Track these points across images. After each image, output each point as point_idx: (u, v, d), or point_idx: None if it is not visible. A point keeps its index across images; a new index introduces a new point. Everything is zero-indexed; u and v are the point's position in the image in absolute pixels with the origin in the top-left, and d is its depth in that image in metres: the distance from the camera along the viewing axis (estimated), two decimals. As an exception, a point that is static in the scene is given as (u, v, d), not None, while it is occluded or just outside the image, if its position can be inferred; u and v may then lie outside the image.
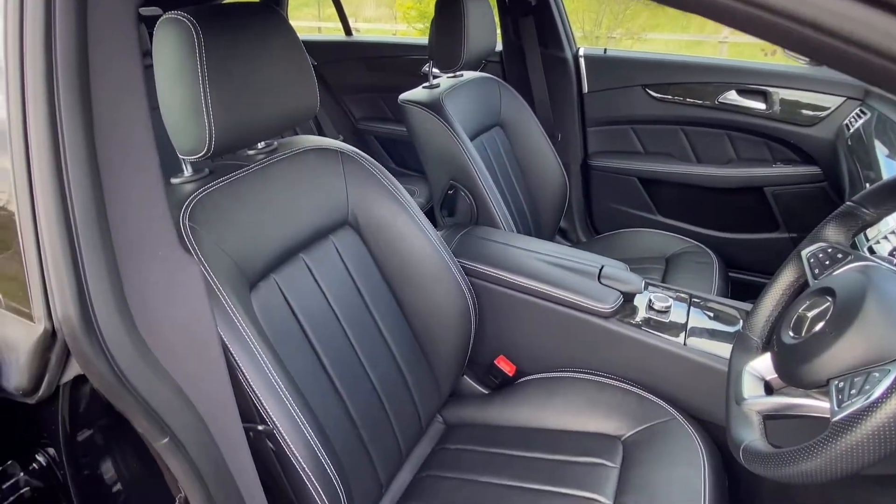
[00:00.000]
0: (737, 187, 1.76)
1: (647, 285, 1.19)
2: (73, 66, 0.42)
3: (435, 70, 1.57)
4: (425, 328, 1.12)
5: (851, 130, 1.47)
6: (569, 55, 1.86)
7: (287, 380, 0.75)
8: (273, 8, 0.89)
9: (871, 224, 0.74)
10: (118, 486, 0.53)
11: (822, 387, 0.60)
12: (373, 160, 1.09)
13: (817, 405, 0.62)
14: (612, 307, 1.11)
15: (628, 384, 1.10)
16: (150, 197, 0.51)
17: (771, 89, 1.67)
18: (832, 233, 0.75)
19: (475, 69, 1.73)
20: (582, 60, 1.88)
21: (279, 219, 0.92)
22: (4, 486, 0.51)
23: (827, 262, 0.72)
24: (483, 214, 1.45)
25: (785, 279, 0.79)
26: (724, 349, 1.03)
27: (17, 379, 0.46)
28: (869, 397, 0.50)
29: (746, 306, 1.16)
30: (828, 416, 0.57)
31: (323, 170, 1.02)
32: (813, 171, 1.65)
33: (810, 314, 0.65)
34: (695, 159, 1.84)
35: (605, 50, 1.92)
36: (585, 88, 1.90)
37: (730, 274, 1.67)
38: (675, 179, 1.85)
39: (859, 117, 1.46)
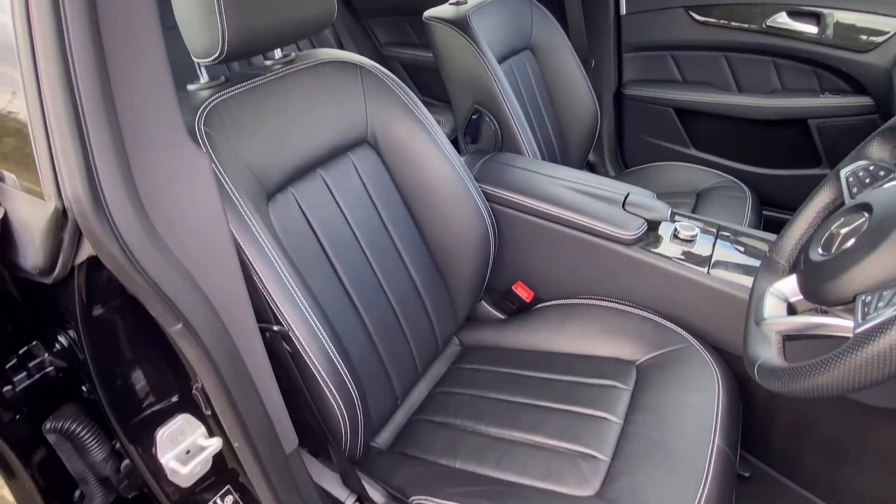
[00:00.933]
0: (779, 119, 1.66)
1: (673, 214, 1.15)
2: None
3: None
4: (443, 252, 1.12)
5: (912, 56, 1.35)
6: (606, -27, 1.74)
7: (302, 285, 0.76)
8: None
9: (920, 140, 0.68)
10: (138, 368, 0.55)
11: (848, 304, 0.58)
12: (393, 76, 1.06)
13: (841, 324, 0.59)
14: (636, 234, 1.08)
15: (646, 311, 1.08)
16: (156, 85, 0.50)
17: (825, 11, 1.53)
18: (876, 150, 0.70)
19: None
20: (620, -20, 1.76)
21: (296, 131, 0.91)
22: (31, 365, 0.54)
23: (867, 181, 0.68)
24: (508, 142, 1.40)
25: (820, 200, 0.75)
26: (748, 280, 1.00)
27: (33, 258, 0.47)
28: (897, 308, 0.48)
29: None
30: (850, 333, 0.55)
31: (341, 84, 0.99)
32: (863, 102, 1.54)
33: (843, 231, 0.62)
34: (736, 89, 1.73)
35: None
36: (623, 10, 1.78)
37: (763, 211, 1.60)
38: (714, 111, 1.75)
39: (923, 41, 1.34)
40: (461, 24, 1.37)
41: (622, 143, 1.96)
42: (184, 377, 0.58)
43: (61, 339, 0.54)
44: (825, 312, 0.63)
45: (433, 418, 1.02)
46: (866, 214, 0.60)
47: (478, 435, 0.95)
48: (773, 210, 1.73)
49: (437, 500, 0.81)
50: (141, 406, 0.56)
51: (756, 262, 1.06)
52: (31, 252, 0.47)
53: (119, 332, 0.52)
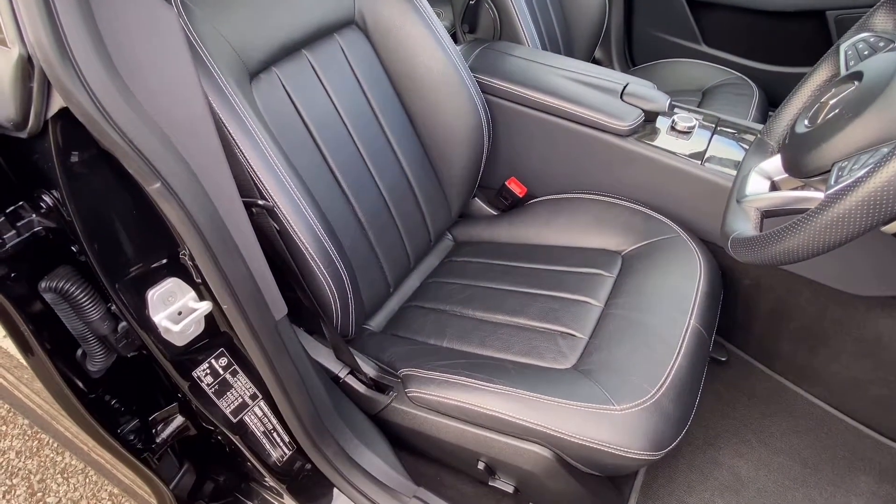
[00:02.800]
0: (795, 11, 1.57)
1: (672, 105, 1.12)
2: None
3: None
4: (435, 143, 1.10)
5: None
6: None
7: (287, 164, 0.77)
8: None
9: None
10: (122, 228, 0.57)
11: (825, 173, 0.57)
12: (382, -49, 0.99)
13: (817, 195, 0.59)
14: (631, 125, 1.06)
15: (637, 204, 1.09)
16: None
17: None
18: (881, 20, 0.67)
19: None
20: None
21: (280, 6, 0.87)
22: (19, 224, 0.56)
23: (866, 53, 0.65)
24: (507, 32, 1.34)
25: (817, 77, 0.72)
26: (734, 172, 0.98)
27: (4, 109, 0.47)
28: (870, 167, 0.47)
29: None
30: (824, 201, 0.55)
31: (326, -42, 0.94)
32: (889, -9, 1.44)
33: (832, 102, 0.60)
34: (754, -22, 1.62)
35: None
36: None
37: (769, 110, 1.55)
38: (728, 2, 1.65)
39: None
40: None
41: (630, 38, 1.87)
42: (170, 241, 0.60)
43: (46, 198, 0.55)
44: (805, 187, 0.63)
45: (424, 304, 1.06)
46: (856, 83, 0.58)
47: (465, 318, 0.99)
48: (782, 110, 1.67)
49: (423, 371, 0.86)
50: (129, 266, 0.58)
51: (742, 149, 1.04)
52: (2, 102, 0.47)
53: (100, 191, 0.53)
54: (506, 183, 1.22)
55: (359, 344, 0.98)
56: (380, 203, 1.02)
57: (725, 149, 1.06)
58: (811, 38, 1.58)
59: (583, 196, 1.14)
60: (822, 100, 0.62)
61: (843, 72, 0.66)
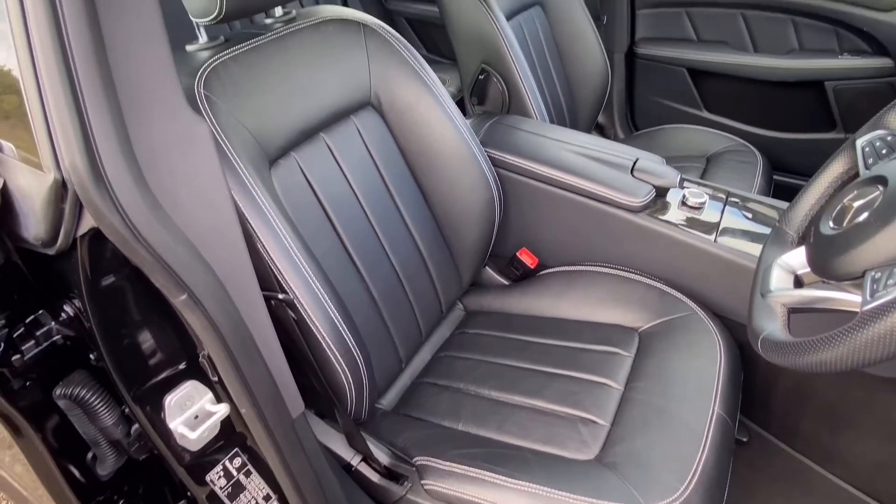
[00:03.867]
0: (795, 81, 1.61)
1: (682, 180, 1.13)
2: None
3: None
4: (448, 217, 1.11)
5: (939, 15, 1.29)
6: (622, -78, 1.66)
7: (306, 251, 0.76)
8: None
9: (943, 109, 0.66)
10: (143, 337, 0.55)
11: (857, 279, 0.57)
12: (398, 35, 1.02)
13: (849, 298, 0.59)
14: (643, 201, 1.07)
15: (651, 279, 1.08)
16: (152, 48, 0.48)
17: (850, -34, 1.46)
18: (895, 119, 0.68)
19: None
20: (637, -70, 1.68)
21: (298, 93, 0.89)
22: (38, 333, 0.55)
23: (884, 152, 0.66)
24: (515, 103, 1.37)
25: (833, 170, 0.73)
26: (756, 248, 0.99)
27: (35, 228, 0.47)
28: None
29: (786, 206, 1.10)
30: (858, 309, 0.54)
31: (344, 43, 0.96)
32: (884, 64, 1.49)
33: (856, 204, 0.60)
34: (752, 49, 1.68)
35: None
36: (638, -37, 1.71)
37: (774, 176, 1.58)
38: (728, 71, 1.70)
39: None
40: (469, -21, 1.31)
41: (633, 104, 1.92)
42: (190, 345, 0.59)
43: (67, 308, 0.54)
44: (832, 286, 0.62)
45: (437, 381, 1.03)
46: (881, 188, 0.59)
47: (480, 398, 0.97)
48: (785, 175, 1.70)
49: (440, 462, 0.83)
50: (148, 374, 0.57)
51: (764, 230, 1.05)
52: (33, 222, 0.46)
53: (124, 302, 0.52)
54: (517, 254, 1.22)
55: (371, 426, 0.95)
56: (393, 278, 1.02)
57: (738, 220, 1.07)
58: (811, 106, 1.62)
59: (596, 269, 1.14)
60: (846, 201, 0.62)
61: (861, 169, 0.67)
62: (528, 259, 1.21)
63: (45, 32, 0.41)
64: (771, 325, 0.64)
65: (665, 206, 1.10)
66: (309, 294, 0.74)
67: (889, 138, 0.67)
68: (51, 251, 0.48)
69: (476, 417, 0.93)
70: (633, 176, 1.11)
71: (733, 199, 1.12)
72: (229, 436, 0.66)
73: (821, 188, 0.74)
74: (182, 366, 0.59)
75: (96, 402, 0.58)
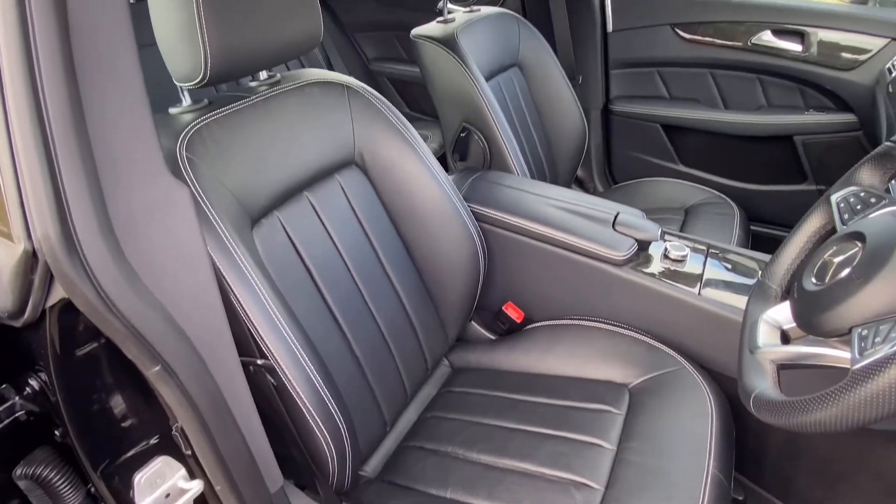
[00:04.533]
0: (765, 136, 1.68)
1: (663, 234, 1.15)
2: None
3: (450, 5, 1.48)
4: (432, 273, 1.10)
5: (894, 74, 1.37)
6: (594, -10, 1.75)
7: (288, 315, 0.74)
8: (273, -76, 0.82)
9: (910, 166, 0.68)
10: (113, 412, 0.52)
11: (843, 335, 0.57)
12: (381, 96, 1.04)
13: (837, 355, 0.59)
14: (626, 255, 1.08)
15: (638, 333, 1.07)
16: (133, 114, 0.48)
17: (809, 29, 1.55)
18: (866, 176, 0.70)
19: (493, 4, 1.64)
20: (608, -2, 1.78)
21: (282, 154, 0.89)
22: (0, 409, 0.51)
23: (858, 207, 0.68)
24: (496, 159, 1.40)
25: (811, 225, 0.74)
26: (740, 301, 0.99)
27: (1, 300, 0.45)
28: (895, 345, 0.47)
29: (766, 257, 1.12)
30: (847, 365, 0.54)
31: (328, 105, 0.98)
32: (848, 119, 1.56)
33: (836, 259, 0.61)
34: (722, 105, 1.75)
35: (633, -15, 1.80)
36: (610, 27, 1.79)
37: (751, 227, 1.61)
38: (701, 127, 1.76)
39: (905, 61, 1.36)
40: (449, 43, 1.36)
41: (610, 159, 1.97)
42: (162, 418, 0.56)
43: (32, 382, 0.51)
44: (820, 342, 0.62)
45: (424, 445, 1.00)
46: (859, 244, 0.60)
47: (468, 463, 0.93)
48: (761, 225, 1.74)
49: (427, 534, 0.79)
50: (117, 450, 0.54)
51: (746, 281, 1.06)
52: (1, 295, 0.44)
53: (93, 375, 0.50)
54: (503, 308, 1.21)
55: (354, 496, 0.91)
56: (377, 337, 0.99)
57: (720, 272, 1.08)
58: (782, 159, 1.68)
59: (582, 323, 1.13)
60: (826, 256, 0.63)
61: (838, 224, 0.68)
62: (514, 313, 1.20)
63: (21, 95, 0.40)
64: (762, 383, 0.63)
65: (648, 260, 1.10)
66: (290, 358, 0.72)
67: (862, 194, 0.68)
68: (17, 323, 0.46)
69: (465, 483, 0.89)
70: (615, 230, 1.12)
71: (714, 251, 1.13)
72: (203, 514, 0.62)
73: (800, 242, 0.75)
74: (154, 440, 0.56)
75: (60, 482, 0.55)
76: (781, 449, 1.04)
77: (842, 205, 0.70)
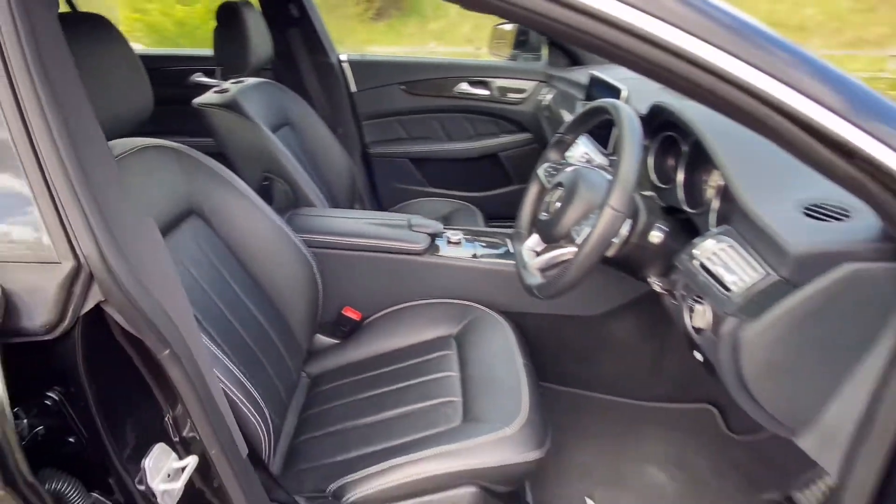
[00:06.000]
0: (479, 156, 2.30)
1: (443, 228, 1.56)
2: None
3: (206, 79, 1.69)
4: (279, 295, 1.29)
5: (544, 104, 2.08)
6: (335, 60, 2.15)
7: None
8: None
9: (570, 145, 1.21)
10: (130, 404, 0.63)
11: (567, 237, 1.02)
12: (203, 154, 1.21)
13: (567, 250, 1.04)
14: (424, 246, 1.45)
15: (448, 299, 1.45)
16: (103, 151, 0.64)
17: (489, 79, 2.22)
18: (552, 155, 1.21)
19: (254, 76, 1.88)
20: (346, 65, 2.19)
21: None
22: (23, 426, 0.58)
23: (553, 172, 1.17)
24: (300, 197, 1.64)
25: (533, 189, 1.22)
26: (500, 259, 1.45)
27: (45, 315, 0.56)
28: (592, 227, 0.92)
29: (507, 232, 1.62)
30: (575, 251, 0.98)
31: (162, 166, 1.11)
32: (527, 137, 2.26)
33: (552, 200, 1.07)
34: (447, 138, 2.32)
35: (364, 55, 2.26)
36: (353, 87, 2.21)
37: (491, 223, 2.18)
38: (436, 156, 2.30)
39: (548, 94, 2.09)
40: (234, 106, 1.57)
41: (376, 191, 2.37)
42: (158, 409, 0.69)
43: (46, 401, 0.60)
44: (556, 247, 1.07)
45: (314, 434, 1.18)
46: (561, 189, 1.07)
47: (357, 428, 1.15)
48: (497, 221, 2.35)
49: (352, 476, 1.00)
50: (132, 440, 0.65)
51: (496, 250, 1.52)
52: (43, 311, 0.55)
53: (115, 373, 0.62)
54: (342, 311, 1.45)
55: (274, 494, 1.04)
56: (252, 353, 1.14)
57: (482, 248, 1.53)
58: (494, 170, 2.32)
59: (406, 305, 1.46)
60: (545, 199, 1.09)
61: (545, 183, 1.17)
62: (352, 314, 1.45)
63: (52, 156, 0.55)
64: (536, 280, 1.05)
65: (437, 247, 1.50)
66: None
67: (552, 167, 1.18)
68: (53, 335, 0.57)
69: (362, 441, 1.11)
70: (412, 230, 1.49)
71: (475, 234, 1.58)
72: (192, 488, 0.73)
73: (530, 200, 1.22)
74: (152, 429, 0.68)
75: (73, 495, 0.62)
76: (553, 349, 1.53)
77: (544, 174, 1.19)
